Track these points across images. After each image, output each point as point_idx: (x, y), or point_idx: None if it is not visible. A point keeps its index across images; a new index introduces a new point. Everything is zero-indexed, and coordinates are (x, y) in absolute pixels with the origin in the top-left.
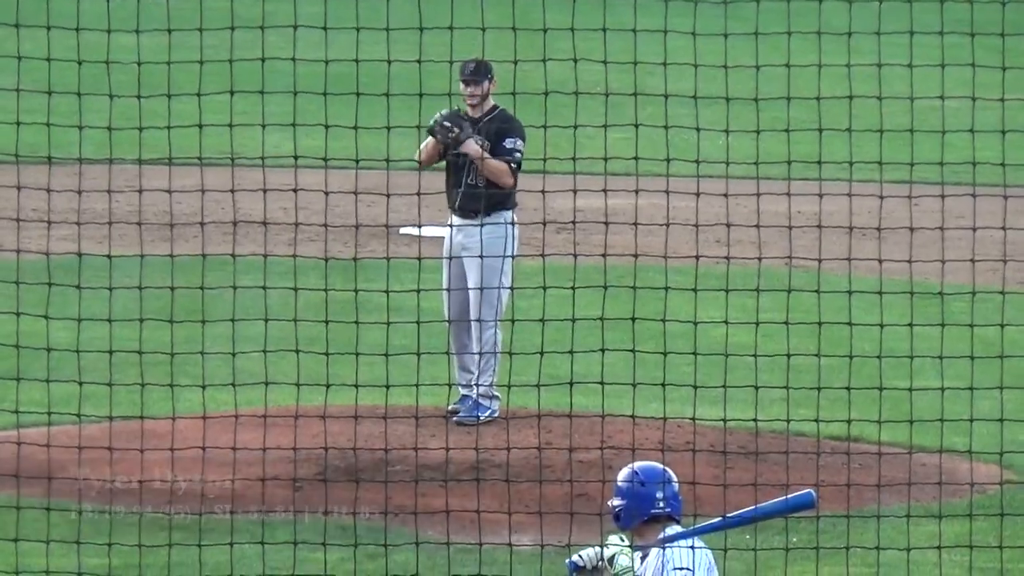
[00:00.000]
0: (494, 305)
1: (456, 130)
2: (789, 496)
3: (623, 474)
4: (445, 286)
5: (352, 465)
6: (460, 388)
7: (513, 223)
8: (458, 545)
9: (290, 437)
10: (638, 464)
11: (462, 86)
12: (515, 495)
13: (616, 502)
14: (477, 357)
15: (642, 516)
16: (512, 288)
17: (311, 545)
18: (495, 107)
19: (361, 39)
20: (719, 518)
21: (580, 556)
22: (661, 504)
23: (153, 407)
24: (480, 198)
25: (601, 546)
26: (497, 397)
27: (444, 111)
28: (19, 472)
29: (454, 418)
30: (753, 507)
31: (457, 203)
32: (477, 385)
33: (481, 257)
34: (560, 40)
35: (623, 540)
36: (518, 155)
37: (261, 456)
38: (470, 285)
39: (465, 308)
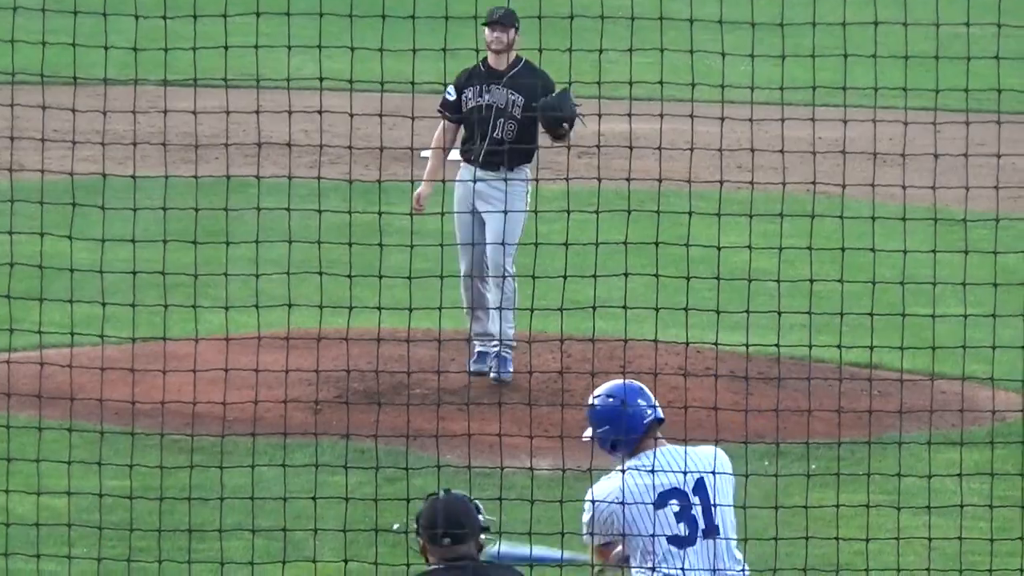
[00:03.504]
0: (513, 256)
1: (566, 126)
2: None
3: (597, 401)
4: (461, 241)
5: (373, 388)
6: (477, 345)
7: (531, 179)
8: (478, 469)
9: (312, 360)
10: (603, 388)
11: (487, 31)
12: (535, 419)
13: (601, 430)
14: (496, 312)
15: (638, 431)
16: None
17: (331, 468)
18: (519, 59)
19: None
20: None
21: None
22: (648, 412)
23: (175, 329)
24: (503, 152)
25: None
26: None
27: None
28: (41, 393)
29: (492, 375)
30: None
31: (480, 157)
32: (502, 342)
33: (504, 212)
34: None
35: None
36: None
37: (283, 378)
38: (489, 239)
39: (480, 263)
